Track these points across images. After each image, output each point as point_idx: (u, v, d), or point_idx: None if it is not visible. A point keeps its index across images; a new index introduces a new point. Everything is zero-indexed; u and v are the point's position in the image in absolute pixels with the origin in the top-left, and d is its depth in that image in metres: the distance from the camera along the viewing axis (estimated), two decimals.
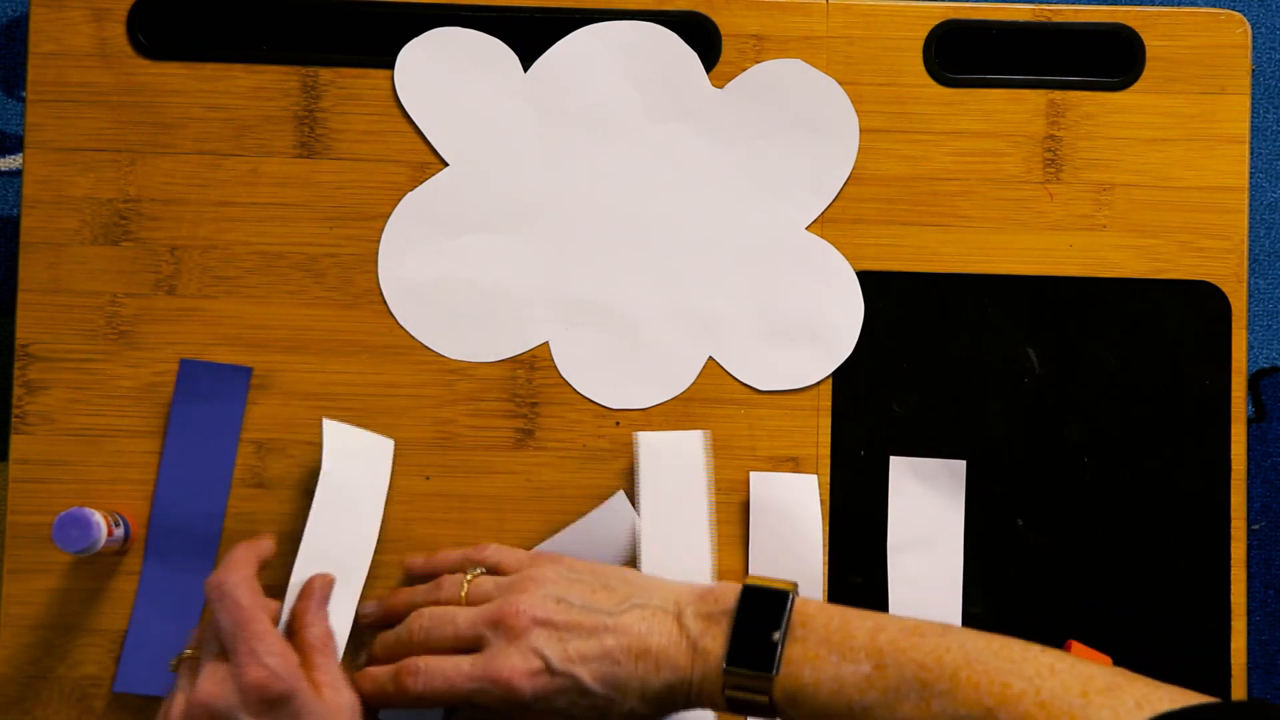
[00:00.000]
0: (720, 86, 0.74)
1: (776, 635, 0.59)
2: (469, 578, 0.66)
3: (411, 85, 0.73)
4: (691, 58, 0.74)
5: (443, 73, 0.73)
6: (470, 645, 0.63)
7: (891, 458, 0.72)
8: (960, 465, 0.72)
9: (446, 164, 0.73)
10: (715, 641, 0.60)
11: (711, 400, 0.73)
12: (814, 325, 0.73)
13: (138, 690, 0.70)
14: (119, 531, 0.68)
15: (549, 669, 0.61)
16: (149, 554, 0.70)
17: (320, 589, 0.65)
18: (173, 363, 0.72)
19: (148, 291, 0.72)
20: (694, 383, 0.73)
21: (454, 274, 0.73)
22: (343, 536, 0.69)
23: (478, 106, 0.73)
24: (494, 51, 0.73)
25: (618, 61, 0.74)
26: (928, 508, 0.72)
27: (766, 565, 0.71)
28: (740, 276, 0.73)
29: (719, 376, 0.73)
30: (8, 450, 0.71)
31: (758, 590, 0.61)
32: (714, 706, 0.60)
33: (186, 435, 0.71)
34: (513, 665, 0.61)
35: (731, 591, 0.61)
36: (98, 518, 0.66)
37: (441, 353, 0.72)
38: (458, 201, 0.73)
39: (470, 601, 0.64)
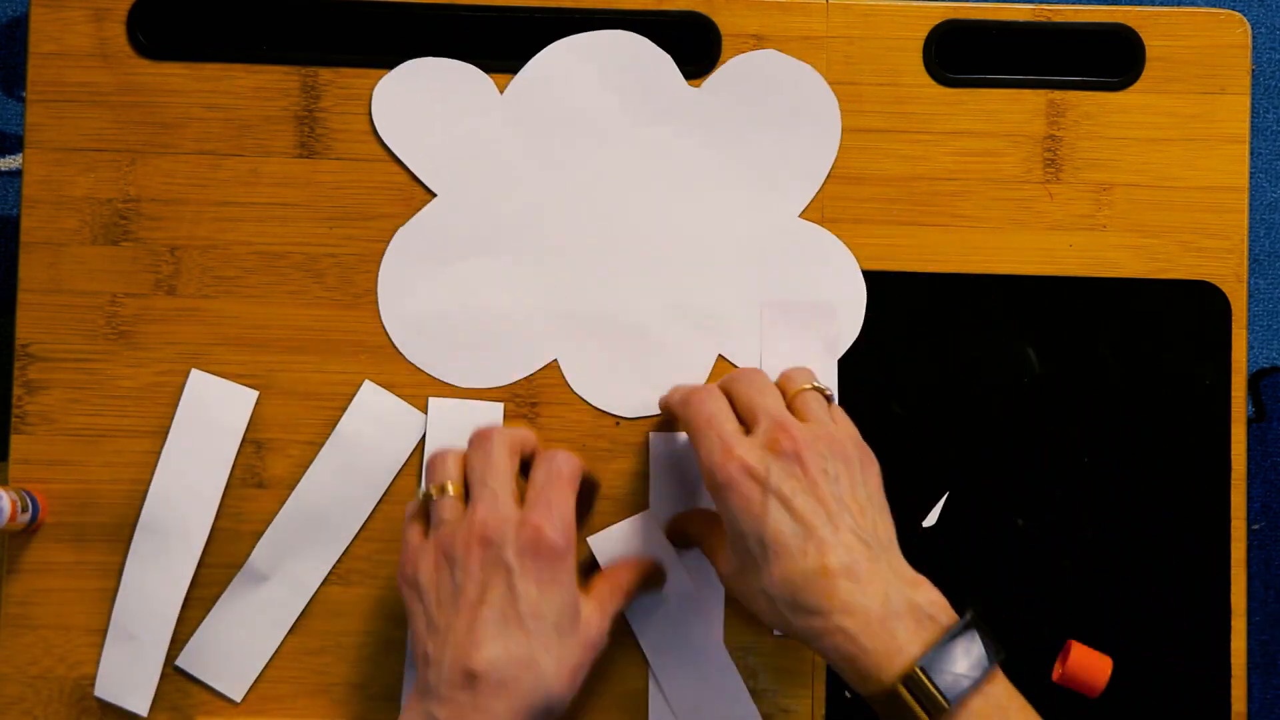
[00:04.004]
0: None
1: (973, 676, 0.58)
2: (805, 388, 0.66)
3: (389, 121, 0.73)
4: (665, 60, 0.74)
5: (419, 105, 0.73)
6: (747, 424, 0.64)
7: (763, 307, 0.72)
8: (829, 305, 0.72)
9: (434, 194, 0.73)
10: (912, 639, 0.58)
11: None
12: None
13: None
14: (24, 517, 0.68)
15: (764, 482, 0.61)
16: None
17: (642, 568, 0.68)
18: (173, 362, 0.72)
19: (148, 291, 0.72)
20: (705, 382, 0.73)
21: (456, 303, 0.73)
22: (338, 495, 0.71)
23: (458, 134, 0.73)
24: (467, 77, 0.73)
25: (592, 72, 0.73)
26: (799, 350, 0.72)
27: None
28: (740, 270, 0.73)
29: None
30: (8, 450, 0.71)
31: (984, 624, 0.60)
32: (851, 669, 0.58)
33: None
34: (742, 454, 0.61)
35: (944, 605, 0.60)
36: (4, 501, 0.66)
37: (453, 383, 0.72)
38: (450, 230, 0.73)
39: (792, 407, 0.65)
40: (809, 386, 0.66)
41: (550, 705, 0.60)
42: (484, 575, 0.61)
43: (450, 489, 0.64)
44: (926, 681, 0.57)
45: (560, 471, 0.63)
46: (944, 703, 0.57)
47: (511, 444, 0.64)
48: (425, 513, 0.65)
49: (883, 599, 0.59)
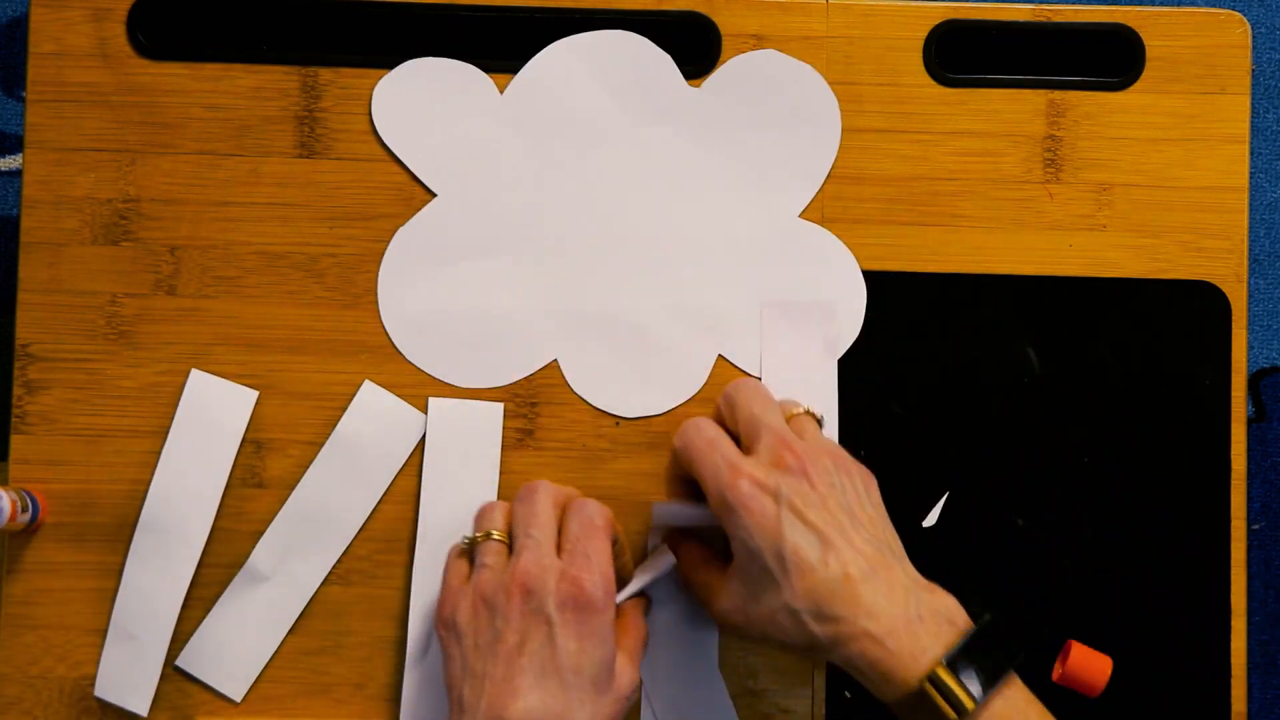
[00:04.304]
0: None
1: (994, 677, 0.58)
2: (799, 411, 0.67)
3: (389, 121, 0.73)
4: (665, 60, 0.74)
5: (419, 105, 0.73)
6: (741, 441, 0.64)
7: (763, 307, 0.73)
8: (829, 305, 0.72)
9: (434, 194, 0.73)
10: (935, 641, 0.59)
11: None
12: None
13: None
14: (24, 517, 0.68)
15: (775, 497, 0.61)
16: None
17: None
18: (173, 362, 0.72)
19: (148, 291, 0.72)
20: (706, 382, 0.73)
21: (456, 303, 0.73)
22: (338, 495, 0.71)
23: (458, 134, 0.73)
24: (467, 77, 0.73)
25: (592, 72, 0.73)
26: (799, 349, 0.72)
27: None
28: (740, 270, 0.73)
29: (731, 375, 0.73)
30: (8, 450, 0.71)
31: (1001, 628, 0.60)
32: (876, 673, 0.59)
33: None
34: (750, 471, 0.61)
35: (960, 610, 0.61)
36: (4, 501, 0.66)
37: (453, 383, 0.72)
38: (450, 230, 0.73)
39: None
40: (801, 410, 0.67)
41: None
42: (524, 624, 0.61)
43: (495, 535, 0.65)
44: (952, 681, 0.58)
45: (593, 522, 0.64)
46: (969, 702, 0.58)
47: (556, 497, 0.65)
48: (469, 557, 0.66)
49: (904, 603, 0.60)
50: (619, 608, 0.65)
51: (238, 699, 0.71)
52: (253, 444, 0.72)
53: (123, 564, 0.71)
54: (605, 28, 0.74)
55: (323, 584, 0.71)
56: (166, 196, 0.73)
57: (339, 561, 0.71)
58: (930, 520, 0.73)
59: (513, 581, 0.61)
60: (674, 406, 0.73)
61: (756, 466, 0.62)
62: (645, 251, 0.73)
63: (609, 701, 0.61)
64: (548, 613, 0.61)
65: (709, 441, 0.63)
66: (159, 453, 0.71)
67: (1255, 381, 1.29)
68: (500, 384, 0.72)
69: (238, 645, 0.71)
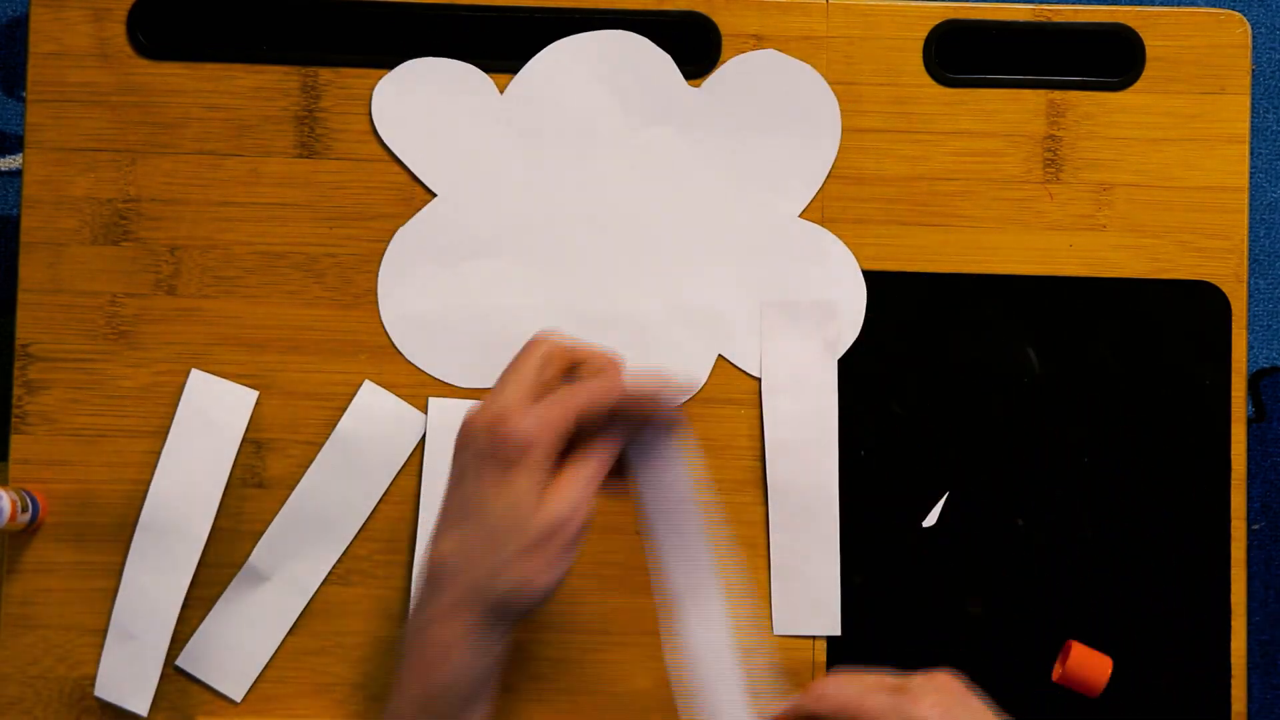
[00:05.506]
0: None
1: None
2: None
3: (389, 121, 0.73)
4: (665, 60, 0.74)
5: (419, 105, 0.73)
6: None
7: (763, 307, 0.73)
8: (831, 304, 0.72)
9: (434, 194, 0.73)
10: None
11: (725, 401, 0.73)
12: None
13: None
14: (24, 517, 0.68)
15: None
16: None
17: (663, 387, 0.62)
18: (173, 362, 0.72)
19: (148, 291, 0.72)
20: (706, 382, 0.73)
21: (457, 304, 0.73)
22: (338, 495, 0.71)
23: (458, 134, 0.73)
24: (467, 77, 0.73)
25: (592, 73, 0.73)
26: (799, 349, 0.72)
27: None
28: (740, 270, 0.73)
29: (731, 375, 0.73)
30: (8, 450, 0.71)
31: None
32: None
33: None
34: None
35: None
36: (4, 501, 0.66)
37: (453, 383, 0.72)
38: (451, 231, 0.73)
39: None
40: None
41: (506, 601, 0.59)
42: (458, 467, 0.60)
43: None
44: None
45: (578, 390, 0.60)
46: None
47: (551, 356, 0.62)
48: None
49: None
50: (586, 447, 0.61)
51: (238, 699, 0.71)
52: (253, 444, 0.72)
53: (123, 564, 0.71)
54: (605, 28, 0.74)
55: (323, 584, 0.71)
56: (166, 196, 0.73)
57: (339, 561, 0.71)
58: (930, 520, 0.73)
59: (465, 423, 0.60)
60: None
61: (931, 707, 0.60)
62: (645, 252, 0.73)
63: (532, 545, 0.59)
64: (469, 457, 0.60)
65: (866, 687, 0.62)
66: (159, 453, 0.71)
67: (1255, 381, 1.29)
68: None
69: (238, 645, 0.71)
